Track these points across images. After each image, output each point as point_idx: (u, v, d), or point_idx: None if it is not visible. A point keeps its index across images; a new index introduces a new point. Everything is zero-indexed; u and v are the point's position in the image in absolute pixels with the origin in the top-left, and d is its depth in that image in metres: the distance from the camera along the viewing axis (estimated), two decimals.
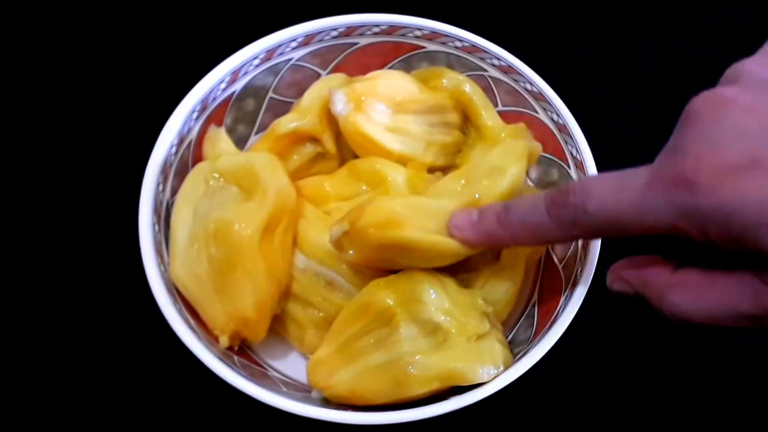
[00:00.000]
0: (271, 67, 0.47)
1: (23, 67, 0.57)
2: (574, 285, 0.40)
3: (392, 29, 0.47)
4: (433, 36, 0.47)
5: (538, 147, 0.44)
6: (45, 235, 0.50)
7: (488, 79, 0.48)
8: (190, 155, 0.46)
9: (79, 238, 0.49)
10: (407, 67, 0.49)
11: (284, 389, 0.40)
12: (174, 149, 0.44)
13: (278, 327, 0.44)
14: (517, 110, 0.48)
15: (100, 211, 0.50)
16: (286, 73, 0.48)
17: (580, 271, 0.40)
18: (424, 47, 0.48)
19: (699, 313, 0.28)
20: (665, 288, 0.30)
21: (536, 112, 0.47)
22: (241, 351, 0.43)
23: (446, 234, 0.37)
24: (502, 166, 0.39)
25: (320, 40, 0.47)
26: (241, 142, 0.49)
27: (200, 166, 0.44)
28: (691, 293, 0.29)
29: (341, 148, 0.47)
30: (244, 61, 0.46)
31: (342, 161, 0.47)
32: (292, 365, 0.44)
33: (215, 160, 0.44)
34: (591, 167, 0.43)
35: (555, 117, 0.45)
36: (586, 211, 0.29)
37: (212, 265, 0.41)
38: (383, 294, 0.38)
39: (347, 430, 0.38)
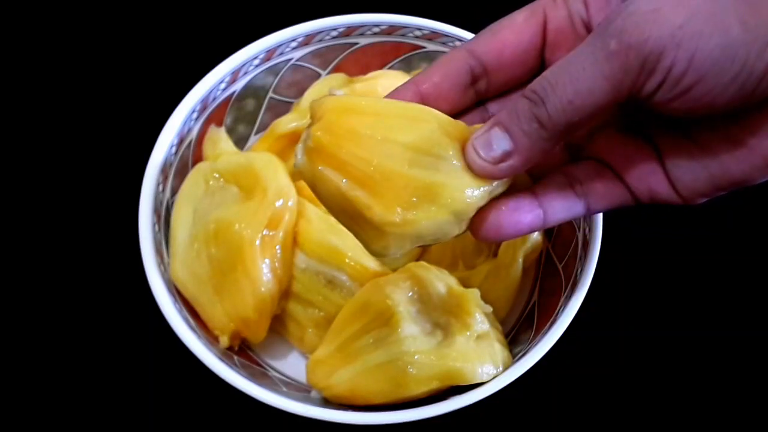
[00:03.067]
0: (271, 67, 0.47)
1: (23, 67, 0.57)
2: (574, 285, 0.40)
3: (392, 29, 0.47)
4: (433, 36, 0.47)
5: None
6: (45, 235, 0.50)
7: None
8: (190, 155, 0.46)
9: (79, 238, 0.49)
10: (407, 67, 0.49)
11: (284, 389, 0.40)
12: (174, 149, 0.44)
13: (278, 327, 0.44)
14: None
15: (100, 211, 0.50)
16: (286, 73, 0.48)
17: (580, 271, 0.40)
18: (424, 47, 0.48)
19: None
20: None
21: None
22: (241, 351, 0.43)
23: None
24: None
25: (320, 40, 0.47)
26: (241, 142, 0.49)
27: (200, 166, 0.44)
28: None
29: None
30: (244, 61, 0.46)
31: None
32: (292, 365, 0.44)
33: (215, 160, 0.44)
34: None
35: None
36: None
37: (212, 265, 0.41)
38: (383, 293, 0.38)
39: (347, 430, 0.38)
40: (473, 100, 0.32)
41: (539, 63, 0.32)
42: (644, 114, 0.29)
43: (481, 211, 0.29)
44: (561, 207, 0.30)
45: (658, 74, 0.25)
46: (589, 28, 0.30)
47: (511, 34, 0.31)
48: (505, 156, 0.28)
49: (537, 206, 0.30)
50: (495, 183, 0.29)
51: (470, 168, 0.28)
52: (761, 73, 0.25)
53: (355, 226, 0.30)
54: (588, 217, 0.41)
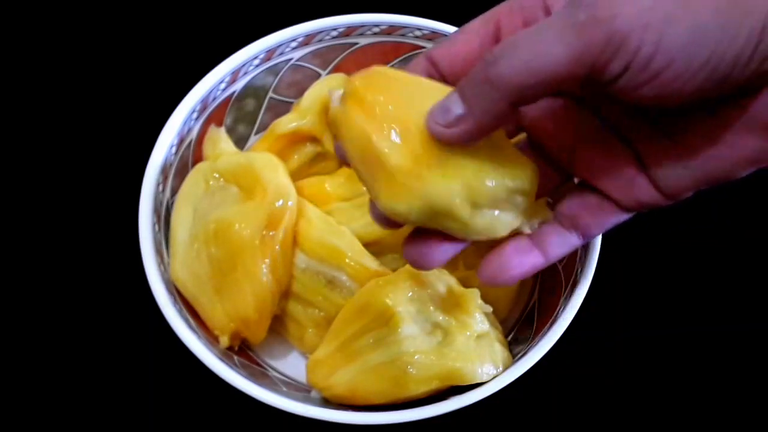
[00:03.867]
0: (271, 67, 0.47)
1: (23, 67, 0.57)
2: (574, 285, 0.40)
3: (392, 29, 0.47)
4: (433, 36, 0.47)
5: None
6: (45, 235, 0.50)
7: None
8: (190, 155, 0.46)
9: (79, 238, 0.49)
10: (407, 67, 0.49)
11: (284, 389, 0.40)
12: (174, 149, 0.44)
13: (278, 327, 0.44)
14: None
15: (100, 211, 0.50)
16: (286, 73, 0.48)
17: (580, 271, 0.40)
18: (424, 47, 0.48)
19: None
20: None
21: None
22: (241, 351, 0.43)
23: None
24: None
25: (320, 40, 0.47)
26: (241, 142, 0.49)
27: (200, 166, 0.44)
28: None
29: None
30: (244, 61, 0.46)
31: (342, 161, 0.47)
32: (292, 365, 0.44)
33: (215, 160, 0.44)
34: None
35: None
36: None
37: (212, 265, 0.41)
38: (382, 293, 0.38)
39: (347, 430, 0.38)
40: None
41: None
42: (621, 116, 0.30)
43: (487, 255, 0.30)
44: (558, 243, 0.31)
45: (625, 56, 0.24)
46: None
47: (463, 42, 0.31)
48: (458, 120, 0.27)
49: (534, 247, 0.31)
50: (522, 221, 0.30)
51: (429, 131, 0.28)
52: (732, 60, 0.24)
53: (370, 175, 0.29)
54: None
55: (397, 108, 0.29)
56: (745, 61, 0.24)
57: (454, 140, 0.28)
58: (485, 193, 0.28)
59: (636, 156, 0.30)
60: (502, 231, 0.30)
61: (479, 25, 0.31)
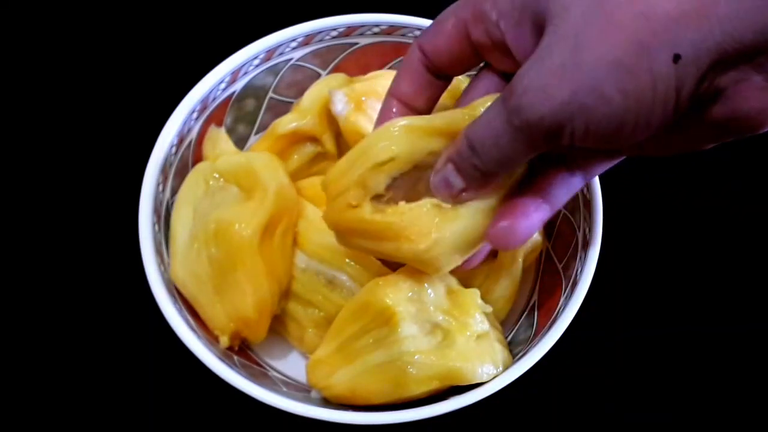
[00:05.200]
0: (271, 67, 0.47)
1: (23, 67, 0.57)
2: (574, 285, 0.40)
3: (392, 29, 0.47)
4: None
5: None
6: (45, 235, 0.50)
7: None
8: (190, 155, 0.46)
9: (79, 238, 0.49)
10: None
11: (284, 389, 0.40)
12: (174, 149, 0.44)
13: (278, 327, 0.44)
14: None
15: (100, 211, 0.50)
16: (286, 73, 0.48)
17: (580, 271, 0.40)
18: None
19: None
20: None
21: None
22: (241, 351, 0.43)
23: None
24: None
25: (320, 40, 0.47)
26: (241, 142, 0.49)
27: (200, 166, 0.44)
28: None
29: (341, 148, 0.47)
30: (244, 61, 0.46)
31: None
32: (292, 365, 0.44)
33: (215, 160, 0.44)
34: None
35: None
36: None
37: (212, 265, 0.41)
38: (382, 293, 0.38)
39: (347, 430, 0.38)
40: (444, 86, 0.36)
41: (479, 58, 0.34)
42: None
43: (494, 223, 0.33)
44: (564, 191, 0.33)
45: (564, 138, 0.27)
46: (506, 47, 0.31)
47: (443, 40, 0.34)
48: (461, 191, 0.32)
49: (541, 200, 0.33)
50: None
51: (437, 196, 0.33)
52: (659, 121, 0.26)
53: (407, 262, 0.35)
54: (588, 217, 0.41)
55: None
56: (671, 114, 0.26)
57: (464, 201, 0.33)
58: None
59: None
60: None
61: (453, 25, 0.33)
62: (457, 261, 0.34)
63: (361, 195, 0.33)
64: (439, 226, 0.32)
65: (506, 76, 0.35)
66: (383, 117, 0.36)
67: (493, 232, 0.32)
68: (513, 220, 0.32)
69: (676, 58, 0.25)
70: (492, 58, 0.33)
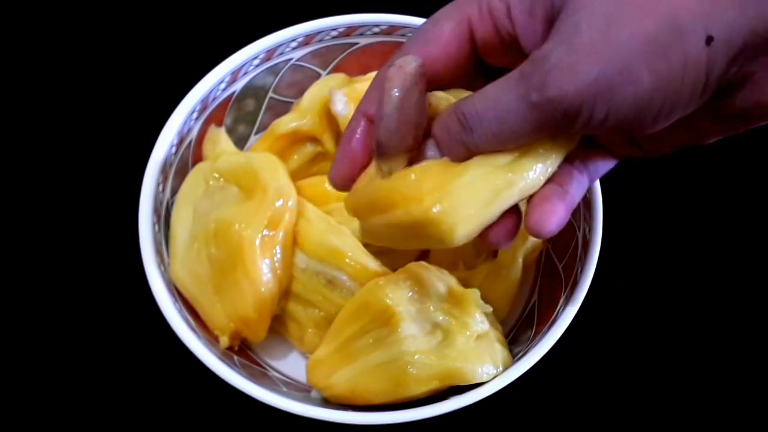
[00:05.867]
0: (271, 67, 0.47)
1: (23, 67, 0.57)
2: (574, 285, 0.40)
3: (392, 29, 0.47)
4: None
5: None
6: (45, 235, 0.50)
7: None
8: (190, 155, 0.46)
9: (79, 238, 0.49)
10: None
11: (284, 389, 0.40)
12: (174, 149, 0.44)
13: (278, 327, 0.44)
14: None
15: (100, 211, 0.50)
16: (286, 73, 0.48)
17: (580, 271, 0.40)
18: None
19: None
20: None
21: None
22: (241, 351, 0.43)
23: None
24: None
25: (320, 40, 0.47)
26: (241, 142, 0.49)
27: (200, 166, 0.44)
28: None
29: None
30: (244, 61, 0.46)
31: None
32: (292, 365, 0.44)
33: (215, 160, 0.44)
34: None
35: None
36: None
37: (212, 265, 0.41)
38: (382, 293, 0.38)
39: (347, 430, 0.38)
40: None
41: (474, 63, 0.32)
42: None
43: (528, 211, 0.31)
44: (577, 186, 0.33)
45: (580, 121, 0.26)
46: (516, 42, 0.30)
47: (438, 47, 0.31)
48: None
49: (563, 194, 0.32)
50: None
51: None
52: (684, 105, 0.26)
53: (428, 239, 0.31)
54: (588, 217, 0.42)
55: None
56: (698, 99, 0.26)
57: None
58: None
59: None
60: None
61: (451, 29, 0.31)
62: (473, 224, 0.30)
63: (376, 169, 0.31)
64: (446, 181, 0.29)
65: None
66: (350, 127, 0.33)
67: (529, 220, 0.31)
68: (539, 207, 0.31)
69: (709, 40, 0.25)
70: (496, 57, 0.32)
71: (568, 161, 0.32)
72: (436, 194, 0.29)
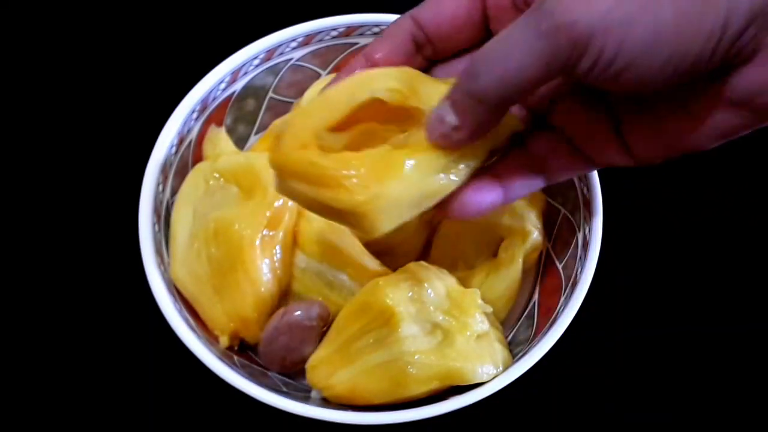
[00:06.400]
0: (271, 67, 0.47)
1: (23, 67, 0.57)
2: (574, 285, 0.40)
3: None
4: None
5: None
6: (45, 235, 0.50)
7: None
8: (190, 155, 0.46)
9: (79, 238, 0.49)
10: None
11: (284, 389, 0.40)
12: (174, 149, 0.44)
13: None
14: None
15: (100, 211, 0.50)
16: (286, 73, 0.48)
17: (580, 271, 0.40)
18: None
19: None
20: None
21: None
22: (241, 351, 0.43)
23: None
24: None
25: (320, 40, 0.47)
26: (241, 142, 0.49)
27: (200, 166, 0.44)
28: None
29: None
30: (244, 61, 0.46)
31: None
32: None
33: (215, 160, 0.44)
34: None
35: None
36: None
37: (212, 265, 0.41)
38: (382, 293, 0.38)
39: (347, 430, 0.38)
40: (423, 64, 0.34)
41: (483, 30, 0.32)
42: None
43: (452, 193, 0.31)
44: (521, 185, 0.32)
45: (589, 57, 0.25)
46: (528, 4, 0.30)
47: (450, 7, 0.31)
48: (454, 129, 0.29)
49: (498, 185, 0.32)
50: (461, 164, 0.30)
51: (428, 138, 0.29)
52: (695, 57, 0.25)
53: (343, 221, 0.31)
54: (588, 217, 0.41)
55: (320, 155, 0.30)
56: (708, 55, 0.25)
57: (453, 146, 0.30)
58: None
59: (613, 120, 0.30)
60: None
61: None
62: (394, 223, 0.30)
63: (312, 136, 0.30)
64: (383, 180, 0.29)
65: None
66: (351, 68, 0.33)
67: (448, 202, 0.31)
68: (465, 191, 0.31)
69: None
70: (502, 27, 0.30)
71: (525, 157, 0.32)
72: (367, 189, 0.29)
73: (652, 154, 0.30)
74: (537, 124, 0.33)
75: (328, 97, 0.31)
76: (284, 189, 0.31)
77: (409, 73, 0.31)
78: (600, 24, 0.24)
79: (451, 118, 0.29)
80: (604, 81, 0.26)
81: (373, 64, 0.33)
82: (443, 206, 0.31)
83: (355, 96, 0.30)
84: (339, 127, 0.31)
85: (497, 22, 0.32)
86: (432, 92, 0.30)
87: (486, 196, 0.31)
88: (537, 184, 0.33)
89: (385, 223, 0.30)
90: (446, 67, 0.34)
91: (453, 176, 0.30)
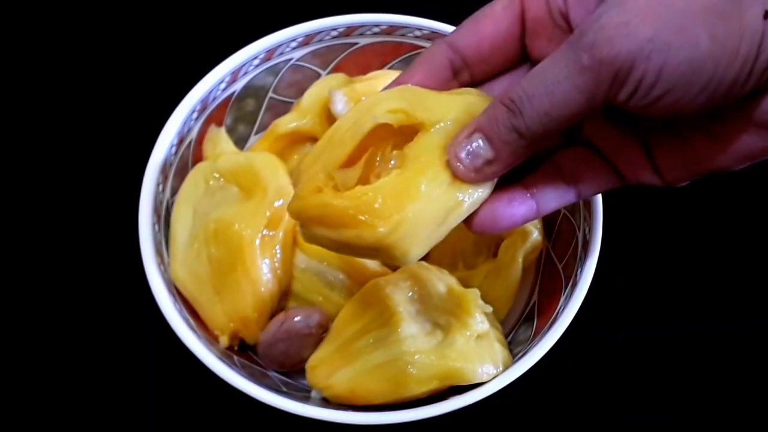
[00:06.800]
0: (271, 67, 0.47)
1: (23, 67, 0.57)
2: (574, 285, 0.40)
3: (392, 29, 0.47)
4: (433, 36, 0.47)
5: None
6: (45, 235, 0.50)
7: None
8: (190, 155, 0.46)
9: (79, 238, 0.49)
10: (407, 67, 0.49)
11: (284, 389, 0.40)
12: (174, 149, 0.44)
13: None
14: None
15: (100, 211, 0.50)
16: (286, 73, 0.48)
17: (580, 271, 0.40)
18: (423, 47, 0.48)
19: None
20: None
21: None
22: (241, 351, 0.43)
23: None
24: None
25: (320, 40, 0.47)
26: (241, 142, 0.49)
27: (200, 166, 0.44)
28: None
29: None
30: (244, 61, 0.46)
31: None
32: None
33: (215, 160, 0.44)
34: None
35: None
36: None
37: (212, 265, 0.41)
38: (383, 293, 0.38)
39: (347, 430, 0.38)
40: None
41: (520, 50, 0.32)
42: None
43: (482, 205, 0.30)
44: (553, 197, 0.31)
45: (630, 85, 0.25)
46: (567, 19, 0.30)
47: (489, 24, 0.31)
48: (487, 163, 0.29)
49: (529, 198, 0.31)
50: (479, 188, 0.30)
51: (454, 174, 0.29)
52: (730, 82, 0.25)
53: (376, 256, 0.31)
54: (588, 217, 0.41)
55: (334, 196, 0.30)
56: (743, 81, 0.25)
57: (482, 181, 0.29)
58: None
59: (643, 140, 0.30)
60: None
61: (501, 8, 0.31)
62: (425, 244, 0.29)
63: (326, 177, 0.30)
64: (402, 206, 0.28)
65: None
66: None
67: (478, 216, 0.30)
68: (496, 204, 0.30)
69: (766, 14, 0.24)
70: (543, 41, 0.31)
71: (556, 170, 0.31)
72: (389, 220, 0.28)
73: (681, 175, 0.30)
74: (569, 138, 0.33)
75: (334, 135, 0.31)
76: (310, 237, 0.31)
77: (408, 90, 0.31)
78: (640, 53, 0.24)
79: (487, 153, 0.29)
80: (643, 107, 0.26)
81: None
82: (474, 221, 0.30)
83: (360, 127, 0.30)
84: (351, 161, 0.30)
85: (535, 37, 0.32)
86: (434, 104, 0.30)
87: (518, 208, 0.31)
88: (569, 197, 0.32)
89: (415, 248, 0.29)
90: (482, 90, 0.34)
91: (479, 188, 0.29)
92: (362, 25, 0.47)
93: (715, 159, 0.29)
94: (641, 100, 0.26)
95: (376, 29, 0.47)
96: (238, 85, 0.47)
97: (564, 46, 0.26)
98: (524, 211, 0.31)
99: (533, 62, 0.32)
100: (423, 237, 0.29)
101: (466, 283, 0.41)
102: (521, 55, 0.32)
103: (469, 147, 0.29)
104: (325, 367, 0.40)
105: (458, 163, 0.29)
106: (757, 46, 0.25)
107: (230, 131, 0.47)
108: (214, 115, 0.47)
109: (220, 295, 0.41)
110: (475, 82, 0.33)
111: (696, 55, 0.24)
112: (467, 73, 0.33)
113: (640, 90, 0.25)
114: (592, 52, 0.25)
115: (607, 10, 0.25)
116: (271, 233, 0.41)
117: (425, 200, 0.28)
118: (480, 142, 0.29)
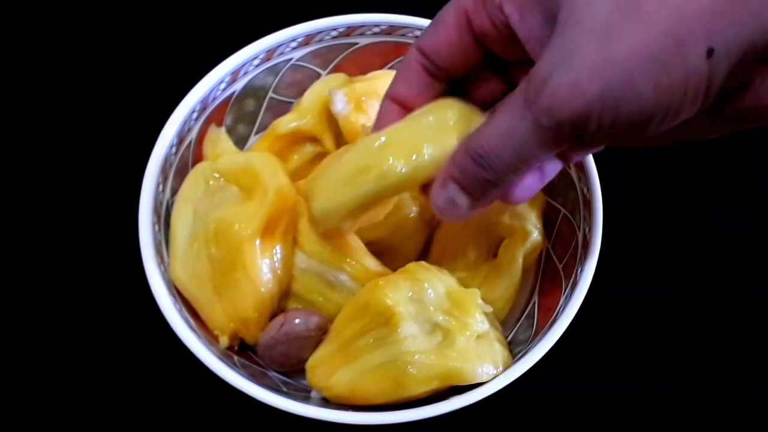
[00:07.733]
0: (271, 67, 0.47)
1: (23, 67, 0.57)
2: (574, 285, 0.40)
3: (392, 29, 0.47)
4: None
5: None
6: (45, 235, 0.50)
7: None
8: (190, 155, 0.46)
9: (79, 239, 0.49)
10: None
11: (284, 389, 0.40)
12: (174, 149, 0.44)
13: None
14: None
15: (100, 211, 0.50)
16: (286, 73, 0.48)
17: (580, 271, 0.40)
18: None
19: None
20: None
21: None
22: (241, 351, 0.43)
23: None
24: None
25: (320, 40, 0.47)
26: (241, 142, 0.49)
27: (200, 166, 0.44)
28: None
29: (341, 147, 0.47)
30: (244, 61, 0.46)
31: None
32: None
33: (215, 159, 0.44)
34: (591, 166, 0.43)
35: None
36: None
37: (212, 265, 0.41)
38: (382, 293, 0.38)
39: (347, 430, 0.38)
40: (443, 89, 0.35)
41: (481, 52, 0.34)
42: None
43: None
44: (552, 167, 0.34)
45: (588, 135, 0.27)
46: (512, 33, 0.31)
47: (443, 32, 0.33)
48: (470, 207, 0.32)
49: (536, 169, 0.33)
50: None
51: (439, 217, 0.34)
52: (687, 111, 0.27)
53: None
54: (588, 217, 0.42)
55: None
56: (698, 108, 0.27)
57: (463, 219, 0.33)
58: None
59: None
60: None
61: (451, 17, 0.33)
62: (335, 202, 0.36)
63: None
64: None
65: (504, 72, 0.35)
66: (381, 120, 0.36)
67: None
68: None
69: (710, 52, 0.25)
70: (498, 46, 0.33)
71: None
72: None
73: (656, 143, 0.31)
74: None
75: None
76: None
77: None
78: (593, 108, 0.26)
79: (463, 200, 0.32)
80: (610, 141, 0.28)
81: (401, 104, 0.35)
82: (504, 195, 0.33)
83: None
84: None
85: (490, 42, 0.33)
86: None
87: (534, 179, 0.33)
88: (558, 167, 0.34)
89: (319, 201, 0.36)
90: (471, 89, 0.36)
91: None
92: (362, 25, 0.47)
93: (689, 135, 0.30)
94: (603, 141, 0.28)
95: (376, 29, 0.47)
96: (238, 85, 0.47)
97: (520, 104, 0.28)
98: (532, 180, 0.33)
99: (500, 59, 0.34)
100: (329, 192, 0.36)
101: (466, 283, 0.41)
102: (487, 54, 0.34)
103: (445, 194, 0.32)
104: (325, 367, 0.40)
105: (439, 212, 0.33)
106: (705, 82, 0.26)
107: (230, 131, 0.47)
108: (214, 115, 0.47)
109: (220, 295, 0.41)
110: (457, 78, 0.35)
111: (643, 107, 0.26)
112: (443, 74, 0.34)
113: (599, 135, 0.27)
114: (550, 115, 0.27)
115: (555, 68, 0.26)
116: (271, 233, 0.41)
117: (338, 164, 0.34)
118: (455, 191, 0.32)
